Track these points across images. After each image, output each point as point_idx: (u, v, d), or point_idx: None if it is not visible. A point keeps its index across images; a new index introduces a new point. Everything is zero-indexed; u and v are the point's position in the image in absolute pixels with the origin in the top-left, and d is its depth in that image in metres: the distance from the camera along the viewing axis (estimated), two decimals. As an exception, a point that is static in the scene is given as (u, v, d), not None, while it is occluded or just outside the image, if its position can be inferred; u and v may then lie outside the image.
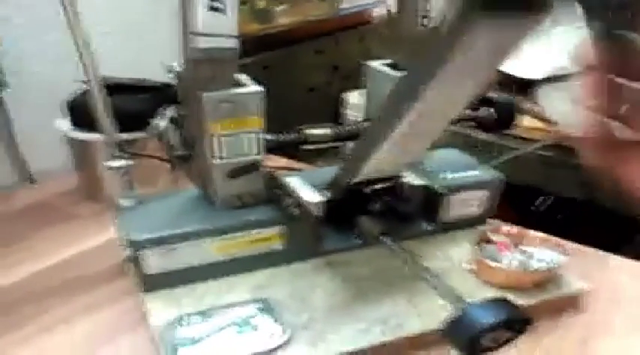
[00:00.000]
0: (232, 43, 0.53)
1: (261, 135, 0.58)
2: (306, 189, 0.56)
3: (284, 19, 1.05)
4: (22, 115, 0.88)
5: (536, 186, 1.06)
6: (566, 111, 1.00)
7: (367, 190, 0.59)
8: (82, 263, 0.69)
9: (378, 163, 0.51)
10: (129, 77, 0.85)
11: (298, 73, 1.16)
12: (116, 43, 0.95)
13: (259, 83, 0.58)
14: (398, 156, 0.53)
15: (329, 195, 0.57)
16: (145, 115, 0.80)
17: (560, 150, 1.02)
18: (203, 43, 0.51)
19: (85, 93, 0.79)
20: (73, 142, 0.80)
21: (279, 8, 1.04)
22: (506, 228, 0.65)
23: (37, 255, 0.70)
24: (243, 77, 0.58)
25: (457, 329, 0.40)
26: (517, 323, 0.39)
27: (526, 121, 1.07)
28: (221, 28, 0.51)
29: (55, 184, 0.88)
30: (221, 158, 0.58)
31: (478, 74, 0.37)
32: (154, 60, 0.96)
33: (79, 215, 0.81)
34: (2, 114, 0.85)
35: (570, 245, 0.67)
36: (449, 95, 0.39)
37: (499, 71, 1.08)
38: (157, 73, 0.81)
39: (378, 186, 0.57)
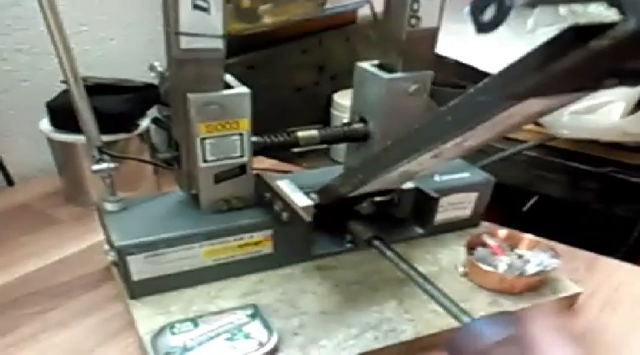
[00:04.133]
0: (218, 43, 0.51)
1: (249, 138, 0.57)
2: (297, 193, 0.55)
3: (268, 18, 1.04)
4: (0, 115, 0.85)
5: (523, 187, 1.06)
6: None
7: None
8: (66, 268, 0.67)
9: (383, 181, 0.50)
10: (109, 77, 0.84)
11: (284, 72, 1.15)
12: (96, 41, 0.93)
13: (245, 83, 0.56)
14: (407, 177, 0.52)
15: (319, 199, 0.56)
16: (127, 116, 0.79)
17: (546, 151, 1.02)
18: (187, 43, 0.50)
19: (65, 93, 0.77)
20: (54, 144, 0.78)
21: (264, 7, 1.02)
22: (501, 231, 0.64)
23: (20, 260, 0.68)
24: (229, 78, 0.57)
25: (463, 345, 0.39)
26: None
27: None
28: (206, 28, 0.50)
29: (35, 186, 0.86)
30: (208, 161, 0.57)
31: (516, 125, 0.37)
32: (136, 59, 0.96)
33: (60, 218, 0.79)
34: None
35: (561, 247, 0.67)
36: (480, 138, 0.38)
37: (486, 73, 1.08)
38: (138, 73, 0.80)
39: (376, 199, 0.56)
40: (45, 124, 0.78)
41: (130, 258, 0.55)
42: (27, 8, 0.82)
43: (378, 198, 0.56)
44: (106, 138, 0.62)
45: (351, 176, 0.53)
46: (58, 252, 0.70)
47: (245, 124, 0.56)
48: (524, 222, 0.72)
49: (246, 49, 1.03)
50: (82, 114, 0.59)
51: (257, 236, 0.60)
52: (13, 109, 0.86)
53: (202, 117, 0.54)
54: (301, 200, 0.54)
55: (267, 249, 0.61)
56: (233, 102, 0.54)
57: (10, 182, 0.88)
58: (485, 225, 0.73)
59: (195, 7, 0.48)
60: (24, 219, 0.78)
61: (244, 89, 0.55)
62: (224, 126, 0.55)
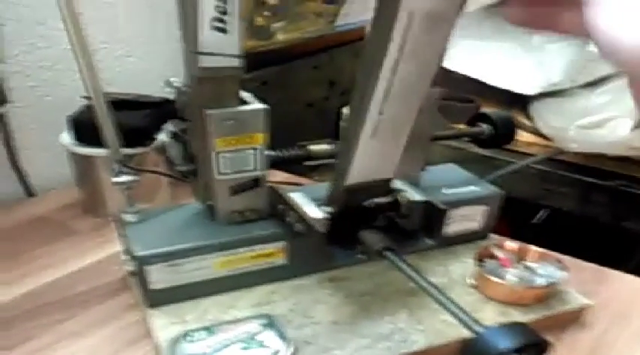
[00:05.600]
0: (236, 63, 0.53)
1: (264, 152, 0.59)
2: (310, 204, 0.57)
3: (281, 35, 1.06)
4: (23, 129, 0.88)
5: (531, 200, 1.07)
6: (559, 127, 1.01)
7: (369, 204, 0.59)
8: (83, 278, 0.69)
9: (362, 164, 0.52)
10: (128, 93, 0.86)
11: (296, 88, 1.17)
12: (115, 57, 0.96)
13: (258, 99, 0.58)
14: (378, 155, 0.53)
15: (331, 210, 0.58)
16: (145, 130, 0.81)
17: (555, 164, 1.03)
18: (206, 62, 0.52)
19: (87, 108, 0.80)
20: (74, 157, 0.80)
21: (277, 25, 1.05)
22: (510, 243, 0.65)
23: (38, 271, 0.70)
24: (245, 94, 0.59)
25: (476, 354, 0.40)
26: (536, 347, 0.39)
27: (521, 136, 1.08)
28: (225, 48, 0.52)
29: (55, 198, 0.88)
30: (224, 174, 0.58)
31: (423, 56, 0.42)
32: (152, 75, 0.98)
33: (78, 229, 0.81)
34: (2, 129, 0.85)
35: (569, 260, 0.68)
36: (402, 76, 0.43)
37: (494, 87, 1.09)
38: (154, 89, 0.82)
39: (378, 200, 0.58)
40: (65, 138, 0.81)
41: (148, 268, 0.57)
42: (50, 27, 0.85)
43: (378, 200, 0.58)
44: (124, 151, 0.64)
45: (336, 166, 0.56)
46: (75, 262, 0.72)
47: (260, 139, 0.58)
48: (534, 235, 0.73)
49: (259, 66, 1.05)
50: (105, 128, 0.61)
51: (270, 247, 0.61)
52: (35, 123, 0.89)
53: (219, 132, 0.55)
54: (314, 212, 0.56)
55: (280, 260, 0.63)
56: (249, 118, 0.56)
57: (30, 194, 0.90)
58: (494, 237, 0.74)
59: (215, 28, 0.50)
60: (43, 230, 0.80)
61: (260, 105, 0.57)
62: (240, 140, 0.57)
